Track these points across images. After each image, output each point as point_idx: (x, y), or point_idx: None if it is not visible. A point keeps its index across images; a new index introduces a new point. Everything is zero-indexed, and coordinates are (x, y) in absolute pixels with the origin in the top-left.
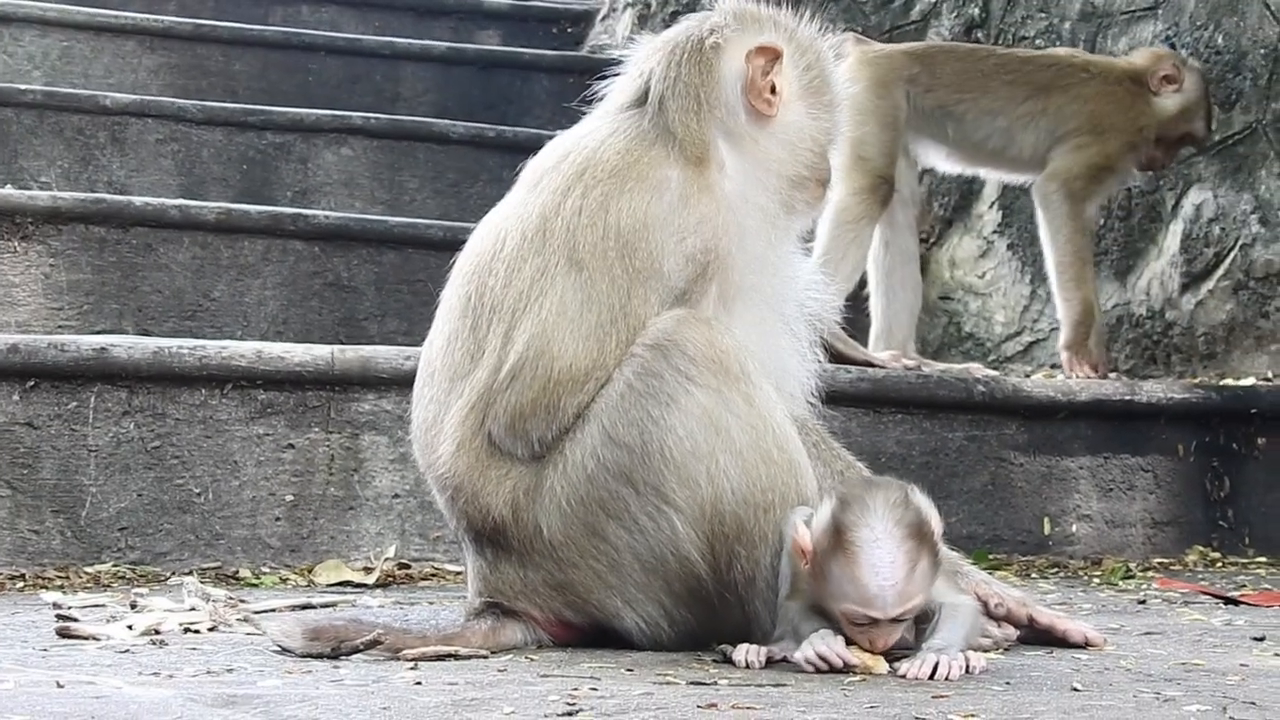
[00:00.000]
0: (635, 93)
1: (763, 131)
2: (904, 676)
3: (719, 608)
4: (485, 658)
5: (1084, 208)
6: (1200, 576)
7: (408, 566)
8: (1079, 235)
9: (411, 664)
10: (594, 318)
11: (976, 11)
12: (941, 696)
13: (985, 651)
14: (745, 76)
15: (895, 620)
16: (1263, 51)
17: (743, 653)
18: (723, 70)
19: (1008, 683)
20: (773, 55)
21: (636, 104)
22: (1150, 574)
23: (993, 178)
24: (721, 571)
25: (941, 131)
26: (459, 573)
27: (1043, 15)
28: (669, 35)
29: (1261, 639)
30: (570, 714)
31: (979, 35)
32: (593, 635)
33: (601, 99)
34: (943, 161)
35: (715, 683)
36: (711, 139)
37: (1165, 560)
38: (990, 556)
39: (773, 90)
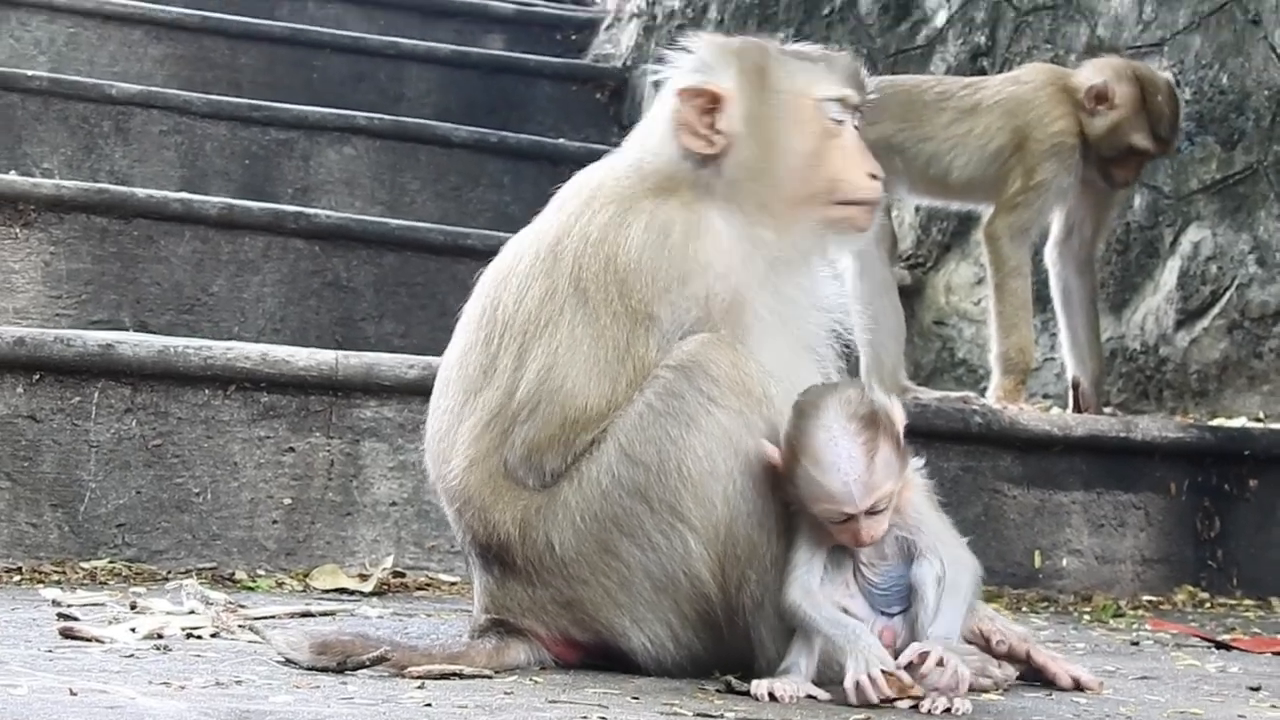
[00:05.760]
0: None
1: (718, 170)
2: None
3: (725, 632)
4: (489, 678)
5: (1017, 250)
6: (1189, 617)
7: (402, 575)
8: (1012, 279)
9: (418, 682)
10: (604, 354)
11: (982, 40)
12: None
13: (985, 692)
14: (682, 119)
15: (872, 512)
16: (1266, 93)
17: (764, 687)
18: (677, 113)
19: None
20: (707, 96)
21: (634, 136)
22: (1140, 612)
23: (953, 208)
24: (731, 594)
25: (892, 164)
26: (454, 583)
27: (1049, 46)
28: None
29: (1258, 688)
30: None
31: (984, 63)
32: (596, 656)
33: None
34: (905, 194)
35: (721, 715)
36: (687, 181)
37: (1154, 598)
38: (982, 588)
39: (712, 128)
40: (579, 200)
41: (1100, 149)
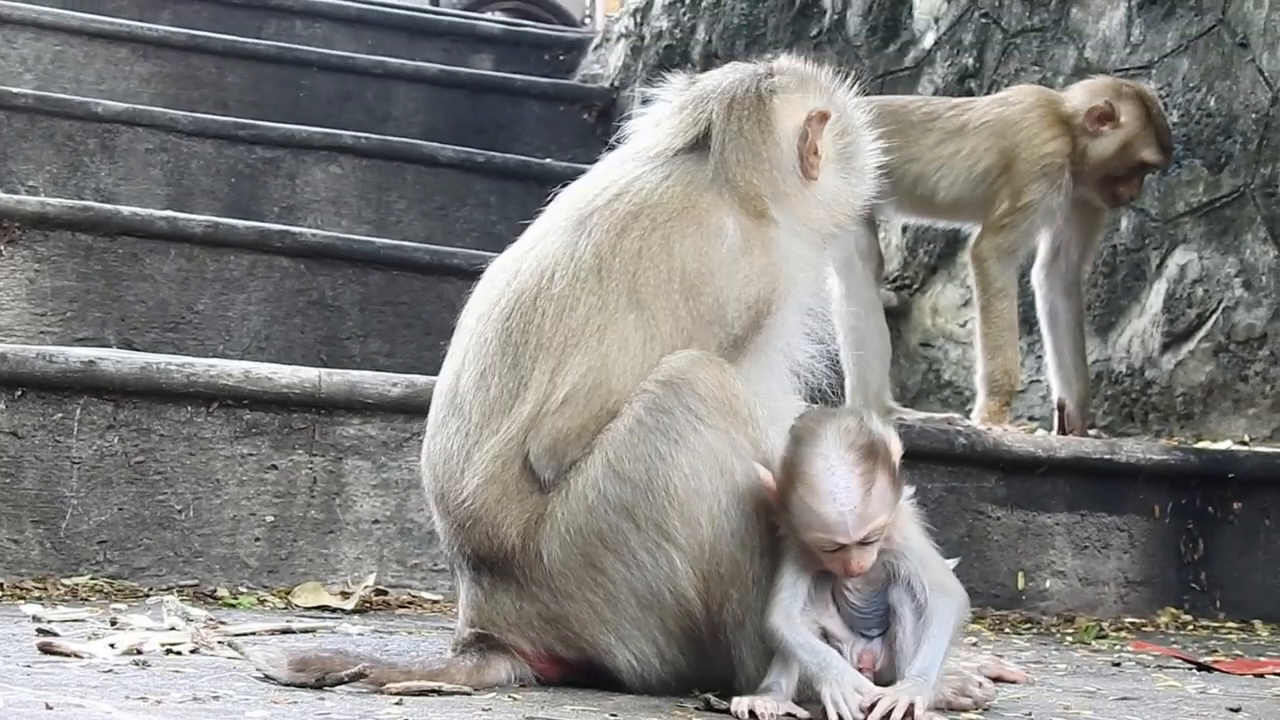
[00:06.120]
0: (689, 138)
1: (806, 191)
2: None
3: (709, 649)
4: (468, 694)
5: (1004, 272)
6: (1172, 639)
7: (385, 593)
8: (998, 300)
9: (396, 699)
10: (656, 356)
11: (970, 62)
12: None
13: (965, 711)
14: (802, 139)
15: (864, 543)
16: (1254, 116)
17: (744, 704)
18: (781, 130)
19: None
20: (823, 119)
21: (690, 149)
22: (1122, 634)
23: (940, 226)
24: (714, 612)
25: (879, 184)
26: (436, 601)
27: (1036, 68)
28: (725, 85)
29: (1237, 710)
30: None
31: (972, 85)
32: (579, 673)
33: (628, 135)
34: (892, 214)
35: None
36: (768, 194)
37: (1137, 620)
38: (968, 618)
39: (815, 152)
40: (618, 216)
41: (1109, 168)
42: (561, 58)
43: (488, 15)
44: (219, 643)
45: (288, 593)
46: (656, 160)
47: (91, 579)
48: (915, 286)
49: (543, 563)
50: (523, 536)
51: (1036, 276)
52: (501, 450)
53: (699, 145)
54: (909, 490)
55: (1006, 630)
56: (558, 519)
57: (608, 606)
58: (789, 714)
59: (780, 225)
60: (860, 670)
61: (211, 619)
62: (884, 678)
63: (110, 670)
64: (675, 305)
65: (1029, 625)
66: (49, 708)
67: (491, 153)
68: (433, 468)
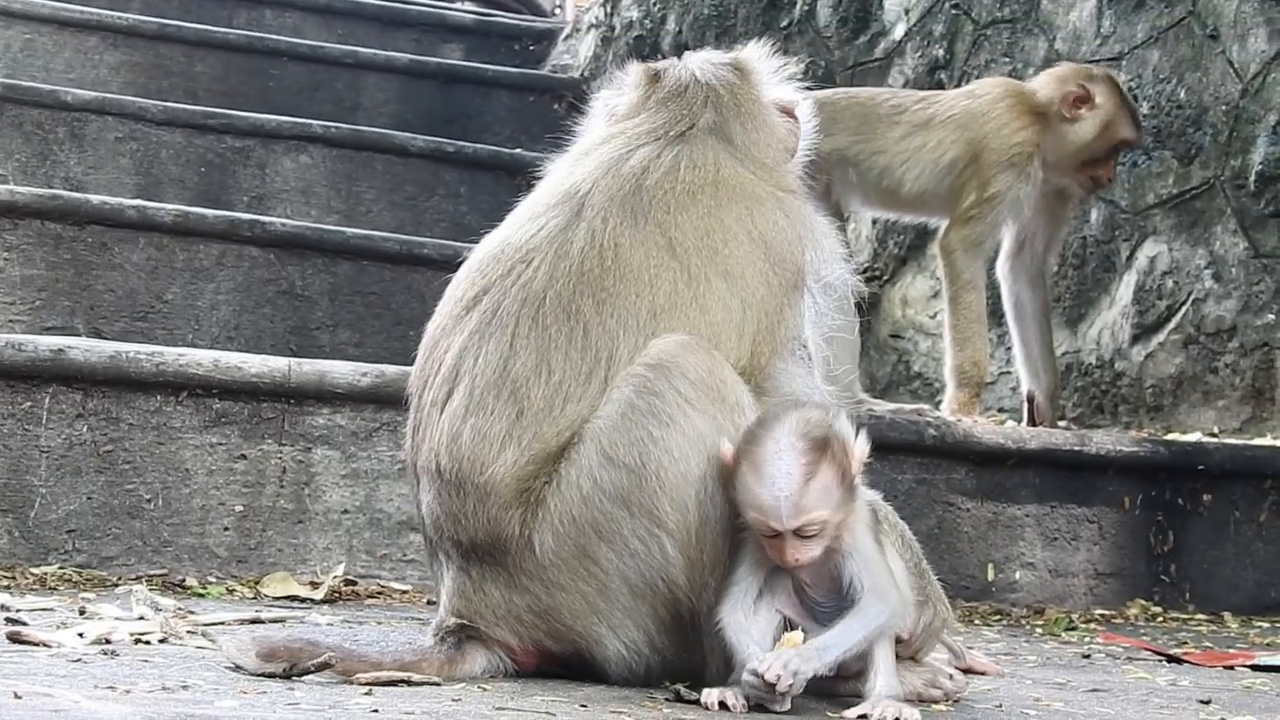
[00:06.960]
0: (710, 121)
1: (790, 168)
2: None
3: (691, 638)
4: (438, 685)
5: (972, 263)
6: (1141, 630)
7: (354, 583)
8: (966, 292)
9: (365, 689)
10: (754, 321)
11: (941, 53)
12: None
13: (935, 703)
14: (791, 120)
15: (801, 535)
16: (1224, 108)
17: (714, 695)
18: (775, 115)
19: None
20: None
21: (709, 132)
22: (1092, 625)
23: (905, 220)
24: (694, 599)
25: (845, 176)
26: (405, 591)
27: (1007, 60)
28: (716, 71)
29: (1208, 702)
30: None
31: (942, 76)
32: (563, 665)
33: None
34: (859, 206)
35: None
36: (786, 172)
37: (1106, 612)
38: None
39: (796, 134)
40: (672, 195)
41: (1090, 151)
42: (532, 48)
43: (458, 5)
44: (188, 632)
45: (257, 582)
46: (682, 141)
47: (60, 568)
48: (885, 278)
49: (535, 554)
50: (521, 525)
51: (1001, 268)
52: (563, 429)
53: (711, 130)
54: (874, 495)
55: (976, 622)
56: (550, 510)
57: (600, 596)
58: (759, 705)
59: (799, 197)
60: None
61: (180, 609)
62: (850, 668)
63: (79, 659)
64: (765, 272)
65: (999, 617)
66: (17, 696)
67: (461, 143)
68: (457, 448)
